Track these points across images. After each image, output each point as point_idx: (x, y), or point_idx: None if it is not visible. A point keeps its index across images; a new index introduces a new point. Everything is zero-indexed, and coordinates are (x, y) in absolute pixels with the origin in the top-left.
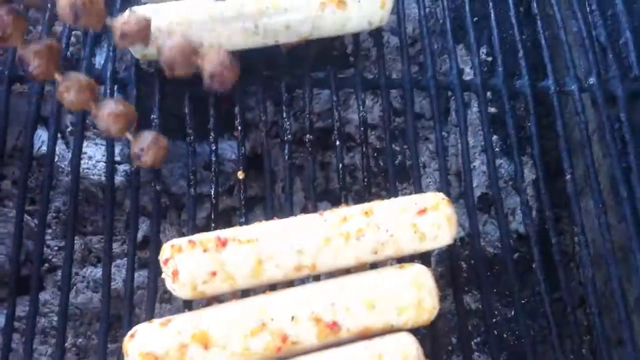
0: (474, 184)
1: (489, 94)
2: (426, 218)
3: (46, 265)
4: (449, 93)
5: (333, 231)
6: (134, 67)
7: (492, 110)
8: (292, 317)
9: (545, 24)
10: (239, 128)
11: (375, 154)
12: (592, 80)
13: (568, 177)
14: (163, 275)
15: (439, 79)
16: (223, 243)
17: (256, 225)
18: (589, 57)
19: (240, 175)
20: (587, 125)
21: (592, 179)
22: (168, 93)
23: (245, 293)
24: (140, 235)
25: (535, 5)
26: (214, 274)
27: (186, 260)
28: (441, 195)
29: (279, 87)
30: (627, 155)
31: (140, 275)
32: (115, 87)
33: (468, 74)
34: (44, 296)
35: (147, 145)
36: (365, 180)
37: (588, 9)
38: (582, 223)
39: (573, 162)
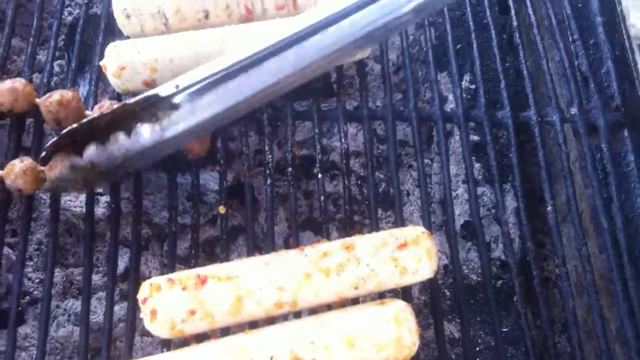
0: (457, 212)
1: (471, 123)
2: (407, 252)
3: (27, 298)
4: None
5: (313, 267)
6: (116, 100)
7: (475, 138)
8: (271, 358)
9: (527, 53)
10: (221, 161)
11: (359, 182)
12: (573, 110)
13: (549, 208)
14: (141, 315)
15: (421, 110)
16: (202, 281)
17: (236, 262)
18: (570, 87)
19: (222, 209)
20: (568, 155)
21: (573, 210)
22: None
23: (224, 331)
24: (122, 266)
25: (517, 35)
26: (192, 312)
27: (165, 299)
28: (421, 228)
29: (261, 119)
30: (609, 185)
31: (122, 308)
32: None
33: (451, 102)
34: (24, 329)
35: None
36: (348, 209)
37: (570, 38)
38: (563, 254)
39: (555, 190)
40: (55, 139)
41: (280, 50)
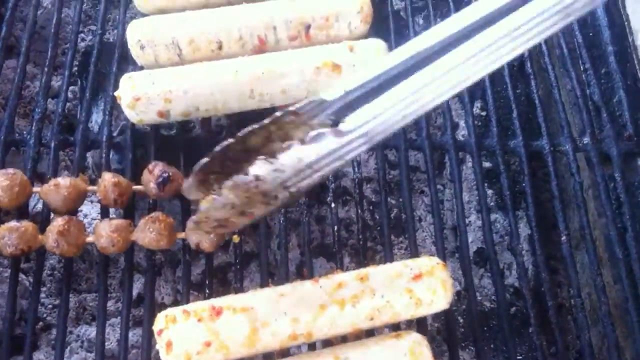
0: (470, 239)
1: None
2: (421, 283)
3: (40, 324)
4: None
5: (328, 298)
6: (130, 130)
7: (487, 165)
8: None
9: (539, 81)
10: None
11: (371, 207)
12: (586, 139)
13: (563, 238)
14: (157, 347)
15: (434, 138)
16: (218, 312)
17: (251, 293)
18: (583, 116)
19: (236, 239)
20: (581, 185)
21: (588, 239)
22: (163, 153)
23: None
24: (134, 292)
25: (529, 64)
26: (208, 344)
27: (180, 331)
28: (436, 259)
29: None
30: (623, 215)
31: (135, 334)
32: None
33: (463, 128)
34: (38, 356)
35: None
36: (361, 235)
37: (582, 67)
38: (578, 285)
39: (568, 217)
40: (208, 158)
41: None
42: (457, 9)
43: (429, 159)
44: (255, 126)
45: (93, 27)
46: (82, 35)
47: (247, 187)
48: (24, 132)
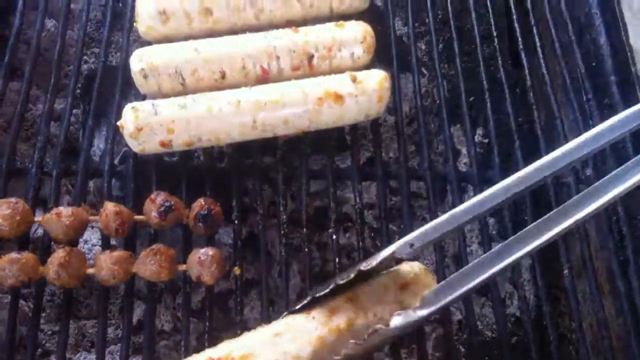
0: None
1: None
2: (409, 292)
3: (39, 350)
4: None
5: (324, 329)
6: (132, 159)
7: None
8: None
9: (541, 111)
10: (236, 222)
11: (372, 234)
12: (589, 171)
13: (566, 272)
14: None
15: (436, 169)
16: None
17: (246, 336)
18: None
19: (237, 271)
20: (585, 228)
21: (589, 271)
22: (165, 182)
23: None
24: (134, 319)
25: (531, 94)
26: None
27: None
28: (418, 264)
29: (276, 178)
30: (625, 248)
31: None
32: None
33: (464, 155)
34: None
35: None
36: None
37: (584, 97)
38: (579, 316)
39: (570, 247)
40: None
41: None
42: (459, 33)
43: (431, 189)
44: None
45: (96, 50)
46: (85, 57)
47: None
48: (26, 161)
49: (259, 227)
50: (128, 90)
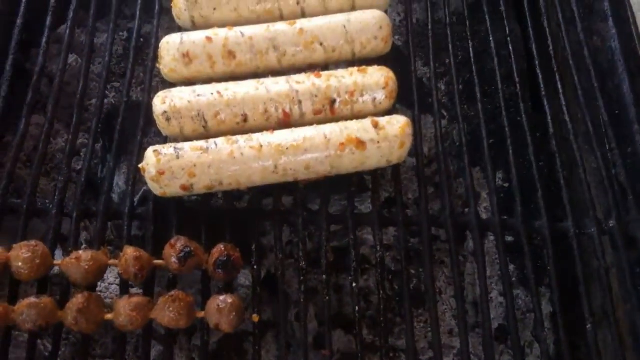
0: (491, 315)
1: None
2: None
3: None
4: None
5: None
6: (152, 201)
7: (509, 238)
8: None
9: (563, 158)
10: (255, 267)
11: (390, 277)
12: (612, 222)
13: (589, 327)
14: None
15: (457, 217)
16: None
17: None
18: (608, 197)
19: (255, 318)
20: (607, 271)
21: (612, 323)
22: (185, 223)
23: None
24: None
25: (554, 141)
26: None
27: None
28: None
29: (296, 222)
30: None
31: None
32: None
33: (484, 199)
34: None
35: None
36: (382, 305)
37: (607, 146)
38: None
39: (593, 297)
40: None
41: None
42: (480, 74)
43: (452, 237)
44: None
45: (116, 84)
46: (106, 91)
47: None
48: (47, 201)
49: (278, 272)
50: (149, 129)
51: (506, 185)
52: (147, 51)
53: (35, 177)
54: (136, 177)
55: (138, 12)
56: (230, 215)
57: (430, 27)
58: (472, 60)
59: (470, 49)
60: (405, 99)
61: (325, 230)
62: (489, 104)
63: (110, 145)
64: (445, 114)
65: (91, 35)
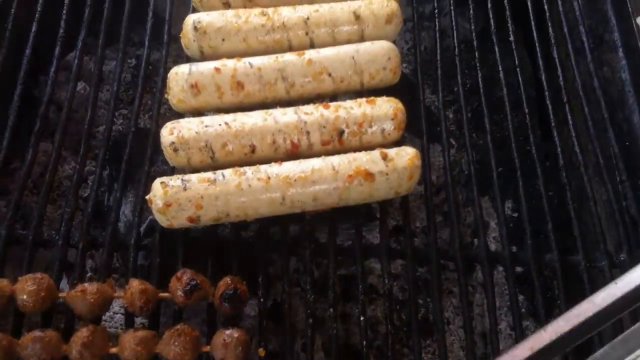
0: (500, 347)
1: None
2: None
3: None
4: None
5: None
6: (158, 233)
7: (519, 269)
8: None
9: (573, 191)
10: (262, 299)
11: (398, 307)
12: (623, 256)
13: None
14: None
15: (466, 250)
16: None
17: None
18: (619, 230)
19: (261, 352)
20: None
21: None
22: (191, 253)
23: None
24: None
25: (564, 173)
26: None
27: None
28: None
29: (304, 255)
30: None
31: None
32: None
33: (493, 229)
34: None
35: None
36: (389, 336)
37: (618, 178)
38: None
39: (603, 331)
40: None
41: None
42: (488, 102)
43: (461, 269)
44: None
45: (124, 111)
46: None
47: None
48: (53, 232)
49: (285, 303)
50: (156, 157)
51: (515, 215)
52: (155, 79)
53: (42, 207)
54: (143, 207)
55: (147, 41)
56: (237, 246)
57: (438, 56)
58: (481, 88)
59: (479, 77)
60: (414, 127)
61: (333, 262)
62: (497, 132)
63: (118, 173)
64: (453, 142)
65: (100, 62)
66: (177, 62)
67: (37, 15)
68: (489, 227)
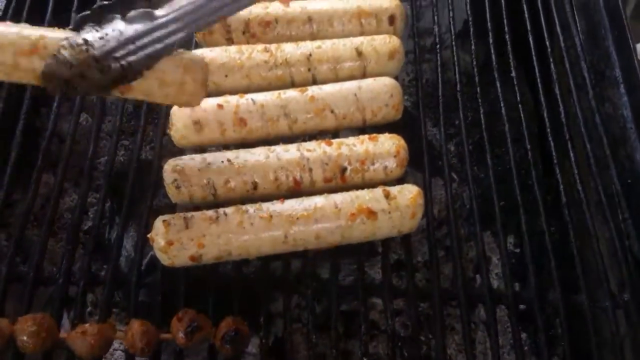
0: None
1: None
2: None
3: None
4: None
5: None
6: (160, 271)
7: (521, 306)
8: None
9: (576, 229)
10: (263, 340)
11: (399, 344)
12: (626, 296)
13: None
14: None
15: (469, 289)
16: None
17: None
18: (622, 269)
19: None
20: (622, 345)
21: None
22: (193, 292)
23: None
24: None
25: (566, 211)
26: None
27: None
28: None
29: (306, 293)
30: None
31: None
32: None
33: (495, 265)
34: None
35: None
36: None
37: (620, 216)
38: None
39: None
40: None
41: None
42: (490, 135)
43: (463, 308)
44: None
45: (126, 142)
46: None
47: (79, 48)
48: (53, 269)
49: (286, 341)
50: (158, 190)
51: (517, 250)
52: (157, 110)
53: (43, 242)
54: (144, 244)
55: None
56: (239, 283)
57: (440, 90)
58: (483, 122)
59: (481, 111)
60: (415, 161)
61: (335, 302)
62: (499, 165)
63: (120, 207)
64: (455, 176)
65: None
66: None
67: None
68: (491, 262)
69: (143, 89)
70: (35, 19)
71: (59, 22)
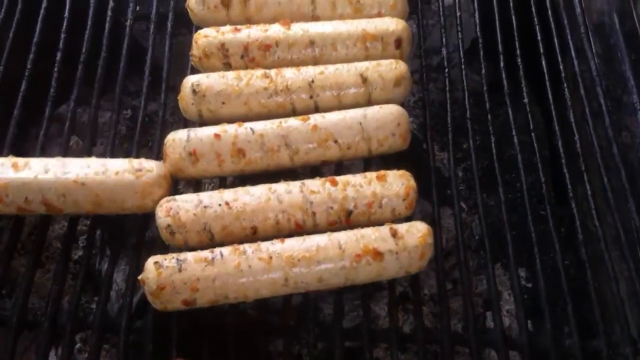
0: None
1: None
2: None
3: None
4: None
5: None
6: (151, 315)
7: None
8: None
9: (593, 268)
10: None
11: None
12: None
13: None
14: None
15: (482, 335)
16: None
17: None
18: None
19: None
20: None
21: None
22: (187, 336)
23: None
24: None
25: (583, 249)
26: None
27: None
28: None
29: (307, 338)
30: None
31: None
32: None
33: (506, 301)
34: None
35: None
36: None
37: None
38: None
39: None
40: None
41: None
42: (500, 161)
43: (475, 355)
44: None
45: None
46: None
47: None
48: (38, 313)
49: None
50: (151, 221)
51: (529, 285)
52: (152, 131)
53: (27, 288)
54: (135, 284)
55: (145, 90)
56: (235, 328)
57: (449, 112)
58: (493, 147)
59: (491, 135)
60: (423, 190)
61: (339, 349)
62: (509, 192)
63: (111, 237)
64: (464, 206)
65: (94, 114)
66: (174, 114)
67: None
68: (502, 296)
69: None
70: None
71: None
